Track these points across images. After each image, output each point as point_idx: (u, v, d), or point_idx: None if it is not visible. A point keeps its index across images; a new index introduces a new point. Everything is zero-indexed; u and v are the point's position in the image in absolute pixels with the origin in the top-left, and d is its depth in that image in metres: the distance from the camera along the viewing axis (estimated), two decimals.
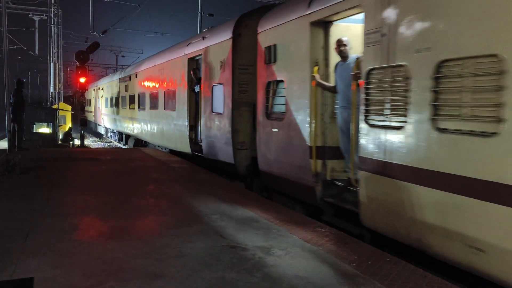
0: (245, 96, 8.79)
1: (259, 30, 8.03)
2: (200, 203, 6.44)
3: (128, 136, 21.73)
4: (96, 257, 4.09)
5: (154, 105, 15.27)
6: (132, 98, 18.91)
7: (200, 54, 10.84)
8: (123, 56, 53.56)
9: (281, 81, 7.25)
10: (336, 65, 6.30)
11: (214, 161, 10.00)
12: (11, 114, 13.93)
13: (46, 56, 30.56)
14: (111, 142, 27.70)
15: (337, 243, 4.67)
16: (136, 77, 18.05)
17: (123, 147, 22.62)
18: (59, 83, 28.57)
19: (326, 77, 6.42)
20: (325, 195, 6.22)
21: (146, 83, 16.45)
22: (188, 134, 11.55)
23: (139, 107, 17.62)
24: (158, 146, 15.32)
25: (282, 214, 5.90)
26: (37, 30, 34.62)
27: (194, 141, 11.46)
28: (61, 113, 26.48)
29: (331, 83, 6.37)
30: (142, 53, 50.35)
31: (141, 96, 17.31)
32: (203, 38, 10.89)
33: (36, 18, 32.69)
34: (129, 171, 9.53)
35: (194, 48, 11.43)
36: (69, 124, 27.71)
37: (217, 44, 9.78)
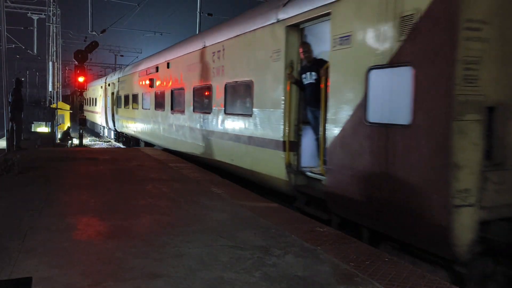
0: (473, 90, 4.28)
1: None
2: (199, 202, 6.43)
3: (149, 145, 17.09)
4: (95, 257, 4.09)
5: (202, 106, 10.87)
6: (160, 97, 14.43)
7: (326, 14, 6.09)
8: (122, 56, 53.52)
9: None
10: None
11: (357, 213, 5.52)
12: (10, 113, 13.90)
13: (44, 55, 30.55)
14: (109, 141, 27.67)
15: (335, 243, 4.67)
16: (168, 67, 13.53)
17: (122, 146, 22.61)
18: (57, 82, 28.58)
19: None
20: None
21: (187, 75, 11.85)
22: (284, 156, 7.06)
23: (172, 109, 13.17)
24: (207, 163, 10.60)
25: (281, 214, 5.90)
26: (35, 29, 34.60)
27: (296, 168, 7.05)
28: (59, 112, 26.54)
29: None
30: (141, 52, 50.34)
31: (176, 94, 12.90)
32: None
33: (35, 17, 32.71)
34: (128, 171, 9.51)
35: (305, 7, 6.65)
36: (67, 124, 27.74)
37: None
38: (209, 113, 10.18)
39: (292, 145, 7.05)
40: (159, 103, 14.58)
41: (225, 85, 9.33)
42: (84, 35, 33.45)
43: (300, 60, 7.09)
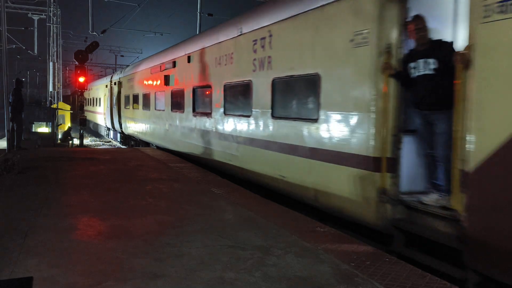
0: None
1: None
2: (199, 202, 6.44)
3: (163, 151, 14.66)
4: (95, 257, 4.09)
5: (236, 107, 9.02)
6: (178, 96, 12.47)
7: None
8: (122, 56, 53.62)
9: None
10: None
11: None
12: (10, 113, 13.92)
13: (45, 55, 30.60)
14: (110, 141, 27.68)
15: (336, 243, 4.67)
16: (189, 61, 11.50)
17: (122, 146, 22.62)
18: (58, 82, 28.61)
19: None
20: None
21: (214, 70, 9.91)
22: (376, 178, 5.07)
23: (194, 110, 11.22)
24: (238, 176, 8.93)
25: (282, 214, 5.90)
26: (36, 29, 34.67)
27: (395, 196, 4.95)
28: (60, 112, 26.51)
29: None
30: (141, 52, 50.48)
31: (199, 93, 11.07)
32: None
33: (35, 18, 32.78)
34: (128, 171, 9.51)
35: None
36: (68, 124, 27.72)
37: None
38: (248, 116, 8.22)
39: (389, 164, 4.97)
40: (176, 104, 12.60)
41: (273, 81, 7.36)
42: (85, 36, 33.60)
43: (401, 44, 5.04)
